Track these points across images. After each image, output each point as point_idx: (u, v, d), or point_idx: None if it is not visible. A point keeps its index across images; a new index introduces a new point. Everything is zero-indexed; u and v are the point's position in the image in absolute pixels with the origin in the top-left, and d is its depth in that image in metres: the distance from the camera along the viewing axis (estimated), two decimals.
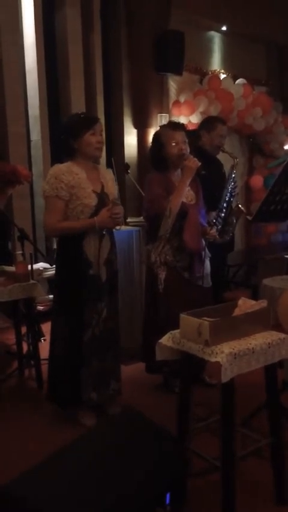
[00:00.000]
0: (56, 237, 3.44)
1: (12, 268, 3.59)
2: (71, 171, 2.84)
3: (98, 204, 2.86)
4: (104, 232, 2.90)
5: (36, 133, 5.55)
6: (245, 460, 2.43)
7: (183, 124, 3.38)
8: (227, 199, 3.74)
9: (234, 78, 6.99)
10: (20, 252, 3.64)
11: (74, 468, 1.78)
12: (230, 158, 3.89)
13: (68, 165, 2.89)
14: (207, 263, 3.37)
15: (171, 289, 3.21)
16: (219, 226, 3.64)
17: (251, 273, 6.08)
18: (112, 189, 3.01)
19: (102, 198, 2.90)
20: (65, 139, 2.92)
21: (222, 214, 3.70)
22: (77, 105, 5.72)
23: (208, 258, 3.37)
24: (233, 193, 3.77)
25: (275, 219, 3.13)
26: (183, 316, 2.15)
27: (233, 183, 3.77)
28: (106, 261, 2.93)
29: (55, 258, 3.10)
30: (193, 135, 3.75)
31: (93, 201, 2.85)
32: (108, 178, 3.04)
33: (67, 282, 2.94)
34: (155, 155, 3.28)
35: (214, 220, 3.62)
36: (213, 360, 1.96)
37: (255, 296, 3.34)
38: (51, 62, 5.73)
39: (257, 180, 7.41)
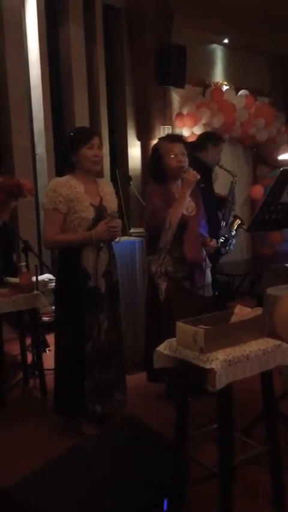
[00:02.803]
0: (54, 249, 3.49)
1: (16, 280, 3.65)
2: (69, 185, 2.89)
3: (96, 217, 2.90)
4: (102, 245, 2.92)
5: (41, 147, 5.64)
6: (245, 467, 2.45)
7: (181, 136, 3.43)
8: (231, 213, 3.85)
9: (237, 90, 7.03)
10: (24, 263, 3.70)
11: (74, 472, 1.81)
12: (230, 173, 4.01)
13: (67, 178, 2.94)
14: (208, 273, 3.40)
15: (172, 299, 3.24)
16: (221, 240, 3.69)
17: (257, 283, 6.10)
18: (111, 202, 3.04)
19: (101, 211, 2.93)
20: (65, 153, 2.99)
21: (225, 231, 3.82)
22: (81, 118, 5.82)
23: (209, 268, 3.41)
24: (233, 208, 3.85)
25: (270, 228, 3.17)
26: (180, 324, 2.19)
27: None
28: (105, 272, 2.96)
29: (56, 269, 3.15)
30: (192, 147, 3.79)
31: (90, 214, 2.89)
32: (108, 191, 3.07)
33: (67, 293, 2.97)
34: (154, 167, 3.33)
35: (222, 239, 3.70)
36: (207, 366, 2.00)
37: (260, 305, 3.36)
38: (55, 77, 5.83)
39: (258, 190, 7.44)
